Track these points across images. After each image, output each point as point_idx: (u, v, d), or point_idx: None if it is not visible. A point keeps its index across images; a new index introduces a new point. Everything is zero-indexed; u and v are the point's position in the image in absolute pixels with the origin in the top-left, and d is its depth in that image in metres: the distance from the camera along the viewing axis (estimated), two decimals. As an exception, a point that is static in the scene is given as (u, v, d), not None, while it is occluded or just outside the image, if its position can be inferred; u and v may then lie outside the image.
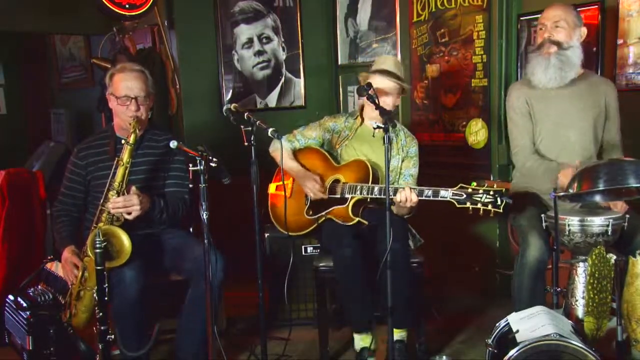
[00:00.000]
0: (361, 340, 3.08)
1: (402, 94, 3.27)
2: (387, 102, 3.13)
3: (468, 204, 2.70)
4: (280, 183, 3.30)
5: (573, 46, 3.00)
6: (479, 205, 2.68)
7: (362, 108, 3.34)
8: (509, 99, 3.19)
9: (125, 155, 2.79)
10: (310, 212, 3.24)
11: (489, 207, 2.66)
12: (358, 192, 3.06)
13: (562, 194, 2.61)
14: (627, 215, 2.71)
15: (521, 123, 3.12)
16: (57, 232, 3.01)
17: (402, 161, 3.26)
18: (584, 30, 3.06)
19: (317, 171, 3.26)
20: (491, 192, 2.67)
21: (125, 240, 2.73)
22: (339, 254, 3.00)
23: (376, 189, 3.00)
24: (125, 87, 2.94)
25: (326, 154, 3.32)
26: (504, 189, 2.68)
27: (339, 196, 3.14)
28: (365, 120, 3.31)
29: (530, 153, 3.10)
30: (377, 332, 3.14)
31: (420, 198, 2.85)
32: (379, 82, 3.13)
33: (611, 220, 2.64)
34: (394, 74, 3.18)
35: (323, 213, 3.19)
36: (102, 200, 2.82)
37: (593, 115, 3.04)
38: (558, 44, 2.98)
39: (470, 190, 2.72)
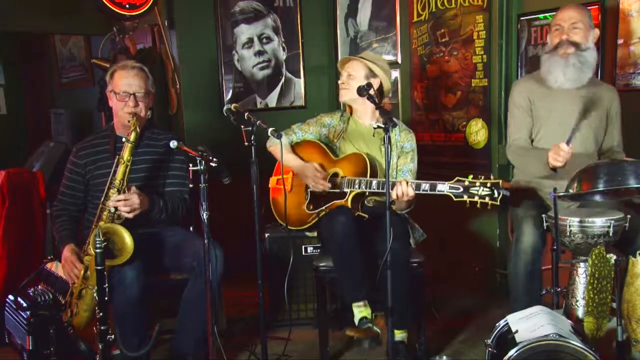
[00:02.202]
0: (360, 313, 3.01)
1: (374, 76, 3.23)
2: (353, 85, 3.09)
3: (465, 197, 2.67)
4: (281, 177, 3.29)
5: (590, 48, 3.01)
6: (476, 198, 2.65)
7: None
8: (511, 93, 3.20)
9: (125, 153, 2.80)
10: (311, 207, 3.24)
11: (486, 199, 2.64)
12: (357, 187, 3.04)
13: (562, 193, 2.61)
14: (629, 216, 2.70)
15: (520, 118, 3.13)
16: (57, 232, 3.01)
17: (398, 158, 3.24)
18: (597, 31, 3.08)
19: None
20: (488, 185, 2.65)
21: (127, 238, 2.73)
22: (333, 222, 2.98)
23: (374, 183, 2.99)
24: (125, 83, 2.96)
25: (324, 146, 3.31)
26: (500, 181, 2.65)
27: (338, 190, 3.13)
28: (354, 113, 3.33)
29: (525, 145, 3.10)
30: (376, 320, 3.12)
31: (417, 192, 2.83)
32: (348, 68, 3.24)
33: (612, 222, 2.64)
34: (360, 56, 3.25)
35: (323, 207, 3.18)
36: (102, 199, 2.83)
37: (595, 118, 3.04)
38: (576, 45, 2.98)
39: (467, 183, 2.69)
